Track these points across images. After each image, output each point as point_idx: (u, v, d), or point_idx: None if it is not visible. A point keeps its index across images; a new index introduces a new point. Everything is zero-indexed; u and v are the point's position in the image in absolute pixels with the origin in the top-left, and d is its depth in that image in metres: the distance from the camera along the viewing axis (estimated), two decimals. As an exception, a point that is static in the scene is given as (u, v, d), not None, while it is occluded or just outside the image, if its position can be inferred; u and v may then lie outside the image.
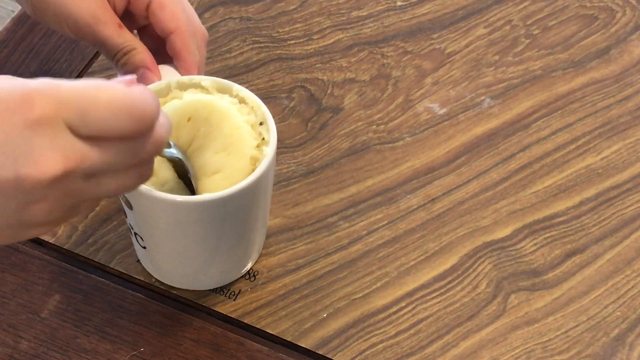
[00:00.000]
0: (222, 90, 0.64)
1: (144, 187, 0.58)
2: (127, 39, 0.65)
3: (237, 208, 0.60)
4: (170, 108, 0.61)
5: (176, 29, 0.65)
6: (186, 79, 0.64)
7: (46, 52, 0.80)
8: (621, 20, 0.85)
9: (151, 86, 0.63)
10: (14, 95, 0.43)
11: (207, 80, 0.64)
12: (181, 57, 0.66)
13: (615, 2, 0.86)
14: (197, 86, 0.64)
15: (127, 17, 0.67)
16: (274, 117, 0.77)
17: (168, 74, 0.66)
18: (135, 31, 0.69)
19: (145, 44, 0.67)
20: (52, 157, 0.44)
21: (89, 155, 0.45)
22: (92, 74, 0.79)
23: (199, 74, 0.66)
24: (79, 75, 0.79)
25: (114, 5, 0.66)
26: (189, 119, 0.61)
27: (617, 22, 0.84)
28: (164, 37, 0.66)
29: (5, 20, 0.80)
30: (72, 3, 0.65)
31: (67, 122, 0.43)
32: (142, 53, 0.65)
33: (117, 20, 0.66)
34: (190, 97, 0.62)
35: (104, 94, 0.44)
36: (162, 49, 0.67)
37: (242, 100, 0.63)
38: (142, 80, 0.65)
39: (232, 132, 0.60)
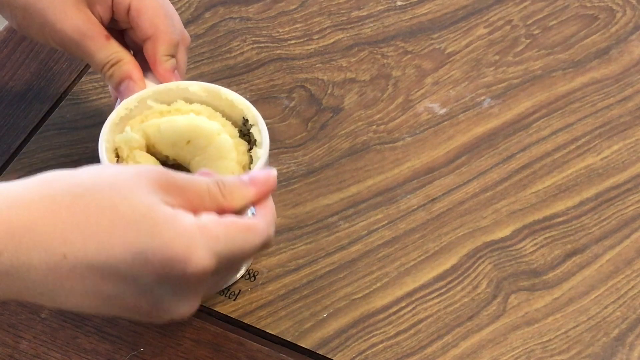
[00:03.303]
0: (210, 95, 0.64)
1: None
2: (114, 51, 0.65)
3: None
4: (172, 125, 0.62)
5: (152, 35, 0.65)
6: (173, 85, 0.65)
7: (46, 52, 0.80)
8: (621, 20, 0.84)
9: (136, 95, 0.64)
10: (173, 250, 0.49)
11: (194, 86, 0.64)
12: (151, 64, 0.66)
13: (615, 2, 0.86)
14: (185, 92, 0.64)
15: (114, 22, 0.67)
16: (274, 117, 0.78)
17: (155, 81, 0.66)
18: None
19: (135, 45, 0.67)
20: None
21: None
22: (92, 74, 0.79)
23: (177, 79, 0.66)
24: (79, 75, 0.79)
25: (100, 15, 0.66)
26: (188, 142, 0.62)
27: (617, 22, 0.84)
28: (142, 43, 0.66)
29: (5, 20, 0.80)
30: (57, 20, 0.64)
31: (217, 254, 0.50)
32: (128, 64, 0.65)
33: (104, 31, 0.65)
34: (193, 120, 0.63)
35: (250, 241, 0.52)
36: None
37: (231, 105, 0.64)
38: (127, 91, 0.65)
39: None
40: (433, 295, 0.67)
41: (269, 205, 0.54)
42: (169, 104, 0.64)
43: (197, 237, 0.49)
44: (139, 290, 0.50)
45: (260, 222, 0.52)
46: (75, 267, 0.48)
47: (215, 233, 0.50)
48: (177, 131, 0.62)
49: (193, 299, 0.52)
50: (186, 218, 0.50)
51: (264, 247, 0.53)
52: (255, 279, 0.67)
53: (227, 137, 0.62)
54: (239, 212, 0.53)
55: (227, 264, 0.51)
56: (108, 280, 0.49)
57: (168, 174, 0.51)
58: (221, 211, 0.52)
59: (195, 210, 0.51)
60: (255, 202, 0.54)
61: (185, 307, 0.51)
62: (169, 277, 0.49)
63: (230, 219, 0.51)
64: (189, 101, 0.64)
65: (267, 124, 0.64)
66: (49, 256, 0.48)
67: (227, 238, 0.50)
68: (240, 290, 0.67)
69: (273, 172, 0.55)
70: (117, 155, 0.63)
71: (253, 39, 0.82)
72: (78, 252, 0.48)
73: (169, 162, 0.64)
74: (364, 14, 0.85)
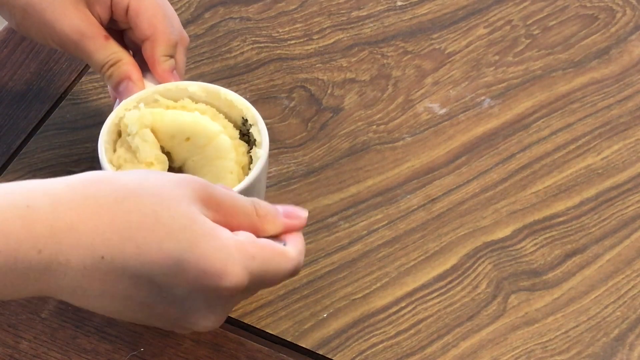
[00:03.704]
0: (210, 95, 0.64)
1: None
2: (113, 51, 0.65)
3: None
4: (177, 118, 0.62)
5: (151, 36, 0.65)
6: (172, 85, 0.65)
7: (46, 52, 0.80)
8: (621, 20, 0.84)
9: (135, 95, 0.64)
10: (210, 263, 0.49)
11: (193, 86, 0.64)
12: (150, 65, 0.66)
13: (615, 2, 0.86)
14: (184, 92, 0.64)
15: (113, 22, 0.67)
16: (274, 117, 0.78)
17: (154, 82, 0.66)
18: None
19: (134, 45, 0.67)
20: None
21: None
22: (92, 74, 0.79)
23: (176, 79, 0.66)
24: (79, 75, 0.79)
25: (99, 15, 0.66)
26: (187, 139, 0.62)
27: (617, 22, 0.84)
28: (141, 43, 0.66)
29: (5, 21, 0.80)
30: (56, 20, 0.65)
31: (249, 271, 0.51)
32: (127, 64, 0.65)
33: (103, 32, 0.65)
34: (197, 117, 0.63)
35: (283, 266, 0.53)
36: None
37: (230, 105, 0.64)
38: (126, 91, 0.65)
39: (225, 176, 0.61)
40: (433, 295, 0.67)
41: (300, 236, 0.56)
42: (175, 100, 0.64)
43: (234, 253, 0.50)
44: (171, 300, 0.50)
45: (292, 250, 0.54)
46: (111, 270, 0.49)
47: (251, 252, 0.51)
48: (180, 125, 0.62)
49: (220, 313, 0.52)
50: (224, 233, 0.50)
51: (292, 275, 0.54)
52: (255, 279, 0.67)
53: (226, 138, 0.63)
54: (269, 238, 0.54)
55: (257, 284, 0.52)
56: (141, 286, 0.50)
57: (209, 186, 0.52)
58: (254, 231, 0.53)
59: (230, 226, 0.52)
60: (284, 233, 0.55)
61: (212, 320, 0.52)
62: (203, 289, 0.50)
63: (266, 241, 0.53)
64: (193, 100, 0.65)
65: (267, 124, 0.64)
66: (88, 256, 0.49)
67: (262, 259, 0.51)
68: (240, 290, 0.67)
69: (305, 212, 0.56)
70: (119, 135, 0.63)
71: (253, 39, 0.82)
72: (116, 255, 0.48)
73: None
74: (364, 14, 0.85)
